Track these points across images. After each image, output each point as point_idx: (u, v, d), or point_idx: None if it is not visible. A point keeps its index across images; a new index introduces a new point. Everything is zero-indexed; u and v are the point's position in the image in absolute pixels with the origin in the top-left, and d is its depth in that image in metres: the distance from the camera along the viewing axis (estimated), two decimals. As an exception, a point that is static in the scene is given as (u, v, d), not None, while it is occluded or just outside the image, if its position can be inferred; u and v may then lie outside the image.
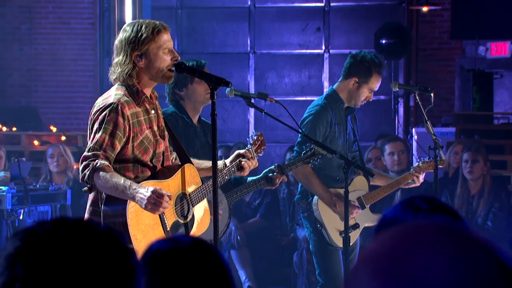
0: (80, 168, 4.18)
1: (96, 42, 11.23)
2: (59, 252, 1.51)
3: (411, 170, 6.21)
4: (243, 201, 8.68)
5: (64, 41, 11.28)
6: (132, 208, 4.15)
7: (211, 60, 10.11)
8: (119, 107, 4.19)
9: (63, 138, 10.06)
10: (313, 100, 6.30)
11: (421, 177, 6.17)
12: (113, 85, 4.37)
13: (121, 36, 4.33)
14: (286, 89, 11.48)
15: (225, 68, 11.34)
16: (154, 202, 4.08)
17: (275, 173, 5.39)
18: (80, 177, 4.20)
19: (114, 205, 4.17)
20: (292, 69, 11.49)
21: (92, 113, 4.28)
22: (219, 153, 8.50)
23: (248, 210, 8.75)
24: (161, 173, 4.38)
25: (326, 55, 11.40)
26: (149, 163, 4.33)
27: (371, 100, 6.13)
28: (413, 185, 6.22)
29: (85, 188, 4.24)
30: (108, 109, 4.20)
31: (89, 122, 4.31)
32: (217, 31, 11.54)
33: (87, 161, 4.15)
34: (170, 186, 4.35)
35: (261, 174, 5.50)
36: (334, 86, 6.16)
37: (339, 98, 6.07)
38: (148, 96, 4.38)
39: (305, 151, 5.46)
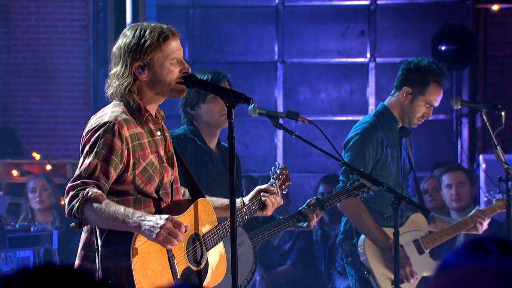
0: (67, 200, 4.16)
1: (89, 49, 11.31)
2: None
3: (473, 213, 6.19)
4: (271, 245, 8.68)
5: (49, 48, 11.36)
6: (138, 249, 4.16)
7: (229, 71, 10.16)
8: (116, 127, 4.22)
9: (49, 167, 10.12)
10: (355, 120, 6.31)
11: (485, 224, 6.15)
12: (110, 101, 4.41)
13: (120, 42, 4.36)
14: (322, 106, 11.50)
15: (247, 81, 11.38)
16: (169, 233, 4.07)
17: (310, 208, 5.35)
18: (67, 211, 4.17)
19: (115, 246, 4.20)
20: (329, 82, 11.52)
21: (84, 134, 4.30)
22: (240, 185, 8.50)
23: (276, 256, 8.74)
24: (169, 209, 4.39)
25: (371, 65, 11.42)
26: (153, 194, 4.35)
27: (430, 117, 6.12)
28: (474, 232, 6.20)
29: (73, 224, 4.22)
30: (102, 129, 4.22)
31: (80, 147, 4.32)
32: (238, 35, 11.59)
33: (74, 191, 4.14)
34: None
35: (296, 211, 5.47)
36: (386, 102, 6.17)
37: (392, 116, 6.08)
38: (153, 115, 4.41)
39: (351, 181, 5.43)
